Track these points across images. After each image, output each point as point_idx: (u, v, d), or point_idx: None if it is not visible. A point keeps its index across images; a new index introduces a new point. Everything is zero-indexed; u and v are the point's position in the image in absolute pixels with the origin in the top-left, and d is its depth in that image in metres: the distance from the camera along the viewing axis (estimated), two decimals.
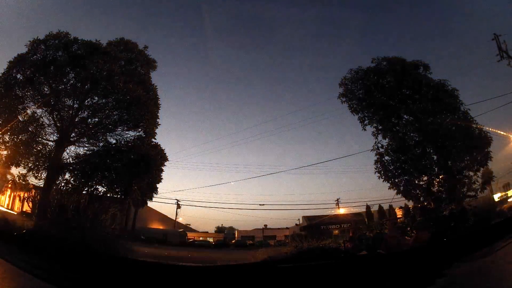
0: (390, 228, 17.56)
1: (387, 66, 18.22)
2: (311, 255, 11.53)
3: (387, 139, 17.17)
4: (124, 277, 2.31)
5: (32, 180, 17.68)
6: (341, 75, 19.82)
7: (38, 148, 17.86)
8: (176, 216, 48.45)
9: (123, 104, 18.61)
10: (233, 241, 44.27)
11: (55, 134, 18.49)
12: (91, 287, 2.26)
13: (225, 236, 51.42)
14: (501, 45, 21.38)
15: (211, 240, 49.48)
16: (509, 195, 25.48)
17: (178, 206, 47.16)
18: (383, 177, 16.47)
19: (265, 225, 54.57)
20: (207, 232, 60.96)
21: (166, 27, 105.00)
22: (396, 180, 16.25)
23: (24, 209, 20.08)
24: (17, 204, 21.31)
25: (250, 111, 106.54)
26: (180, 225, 50.87)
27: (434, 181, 16.18)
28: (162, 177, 21.09)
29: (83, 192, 17.35)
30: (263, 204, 45.89)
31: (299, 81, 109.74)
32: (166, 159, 21.29)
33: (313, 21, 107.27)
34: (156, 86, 20.92)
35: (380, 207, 37.75)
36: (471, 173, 15.85)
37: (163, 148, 20.81)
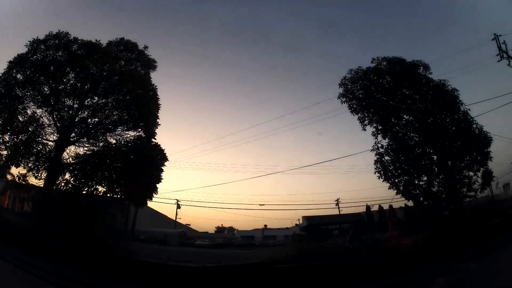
0: (390, 228, 17.54)
1: (387, 66, 18.23)
2: (311, 255, 11.54)
3: (387, 139, 17.19)
4: (125, 277, 2.31)
5: (32, 180, 17.64)
6: (341, 75, 19.84)
7: (38, 148, 17.83)
8: (176, 216, 48.44)
9: (123, 104, 18.61)
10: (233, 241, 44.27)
11: (55, 134, 18.49)
12: (91, 287, 2.26)
13: (225, 236, 51.54)
14: (501, 45, 21.35)
15: (209, 240, 49.37)
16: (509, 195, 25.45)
17: (178, 206, 47.13)
18: (383, 177, 16.47)
19: (265, 225, 54.49)
20: (207, 232, 60.92)
21: (166, 27, 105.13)
22: (396, 180, 16.25)
23: (24, 209, 20.07)
24: (17, 204, 21.30)
25: (250, 111, 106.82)
26: (180, 225, 50.82)
27: (434, 181, 16.20)
28: (162, 177, 21.05)
29: (83, 192, 17.36)
30: (263, 204, 45.81)
31: (299, 81, 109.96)
32: (166, 159, 21.23)
33: (313, 21, 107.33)
34: (156, 86, 20.91)
35: (380, 207, 37.66)
36: (471, 173, 15.87)
37: (163, 148, 20.79)
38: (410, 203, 17.65)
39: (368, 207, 37.89)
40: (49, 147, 18.20)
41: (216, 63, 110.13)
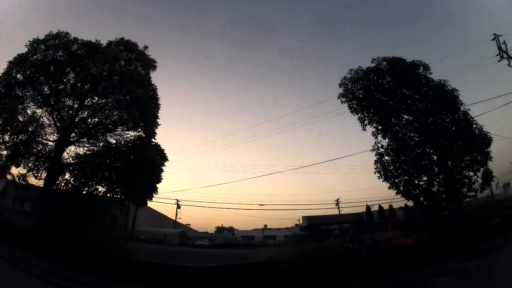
0: (390, 228, 17.55)
1: (387, 66, 18.24)
2: (311, 255, 11.54)
3: (387, 139, 17.19)
4: (125, 277, 2.31)
5: (32, 180, 17.62)
6: (341, 75, 19.84)
7: (38, 148, 17.82)
8: (176, 216, 48.40)
9: (123, 104, 18.60)
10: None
11: (55, 134, 18.45)
12: (91, 287, 2.26)
13: (225, 236, 51.64)
14: (501, 45, 21.34)
15: (209, 240, 49.34)
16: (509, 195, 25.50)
17: (178, 206, 47.10)
18: (383, 177, 16.47)
19: (265, 225, 54.48)
20: (207, 232, 60.90)
21: (166, 27, 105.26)
22: (396, 180, 16.25)
23: (24, 209, 20.06)
24: (17, 204, 21.29)
25: (250, 110, 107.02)
26: (180, 225, 50.80)
27: (434, 181, 16.20)
28: (162, 177, 21.06)
29: (83, 192, 17.35)
30: (263, 204, 45.79)
31: (300, 81, 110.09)
32: (166, 159, 21.25)
33: (312, 21, 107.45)
34: (156, 86, 20.91)
35: (380, 207, 37.65)
36: (471, 173, 15.87)
37: (163, 148, 20.80)
38: (410, 203, 17.67)
39: (368, 207, 37.91)
40: (49, 147, 18.18)
41: (216, 63, 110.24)
